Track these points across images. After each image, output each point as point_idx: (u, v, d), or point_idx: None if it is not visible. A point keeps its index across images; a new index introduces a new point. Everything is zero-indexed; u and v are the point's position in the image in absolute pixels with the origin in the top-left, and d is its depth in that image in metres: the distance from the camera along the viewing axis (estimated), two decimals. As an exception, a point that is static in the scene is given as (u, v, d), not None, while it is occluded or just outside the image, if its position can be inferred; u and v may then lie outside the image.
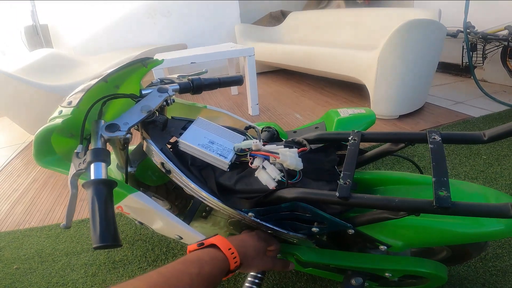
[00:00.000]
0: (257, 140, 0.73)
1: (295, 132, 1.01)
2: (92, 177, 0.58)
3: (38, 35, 3.39)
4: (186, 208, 1.36)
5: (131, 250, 1.33)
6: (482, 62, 2.75)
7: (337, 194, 0.59)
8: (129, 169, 0.87)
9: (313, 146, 0.82)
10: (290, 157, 0.66)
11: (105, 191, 0.55)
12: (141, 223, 0.97)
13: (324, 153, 0.79)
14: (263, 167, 0.69)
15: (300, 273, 1.13)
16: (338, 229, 0.68)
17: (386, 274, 0.79)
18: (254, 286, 0.94)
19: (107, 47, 3.66)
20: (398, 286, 0.97)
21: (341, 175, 0.62)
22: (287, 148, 0.70)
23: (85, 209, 1.64)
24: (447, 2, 3.05)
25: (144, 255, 1.30)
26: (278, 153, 0.67)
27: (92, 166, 0.59)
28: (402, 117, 2.34)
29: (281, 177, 0.68)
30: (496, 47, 2.65)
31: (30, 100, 2.37)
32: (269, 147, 0.71)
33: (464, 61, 2.81)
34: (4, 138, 2.89)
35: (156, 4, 3.68)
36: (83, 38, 3.56)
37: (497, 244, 1.17)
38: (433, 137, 0.65)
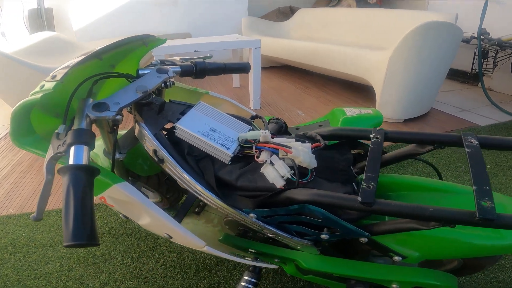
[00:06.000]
0: (266, 131, 0.64)
1: (297, 128, 0.95)
2: (71, 162, 0.50)
3: (41, 18, 3.33)
4: (178, 202, 1.27)
5: (114, 244, 1.24)
6: (492, 70, 2.70)
7: (359, 198, 0.50)
8: (117, 155, 0.78)
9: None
10: (304, 153, 0.57)
11: (84, 180, 0.48)
12: (126, 217, 0.88)
13: (338, 151, 0.71)
14: (271, 162, 0.60)
15: (296, 278, 1.07)
16: (351, 237, 0.60)
17: (393, 285, 0.74)
18: None
19: (110, 33, 3.58)
20: None
21: (364, 177, 0.53)
22: (300, 143, 0.61)
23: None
24: (462, 8, 2.98)
25: (129, 250, 1.21)
26: (290, 147, 0.58)
27: (72, 149, 0.51)
28: (407, 121, 2.29)
29: (291, 175, 0.59)
30: (508, 56, 2.60)
31: (24, 81, 2.31)
32: (279, 139, 0.63)
33: (473, 68, 2.75)
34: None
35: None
36: (86, 23, 3.49)
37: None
38: (469, 140, 0.58)
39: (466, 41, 2.73)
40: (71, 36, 3.42)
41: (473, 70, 2.82)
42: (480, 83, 2.57)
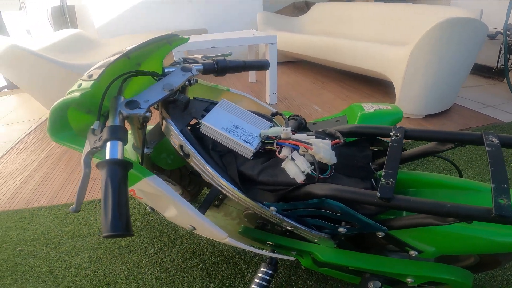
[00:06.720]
0: (288, 128, 0.66)
1: (314, 124, 0.96)
2: (108, 156, 0.54)
3: (64, 16, 3.47)
4: (198, 195, 1.32)
5: (138, 236, 1.29)
6: (518, 65, 2.58)
7: (378, 194, 0.52)
8: (145, 150, 0.82)
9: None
10: (324, 149, 0.59)
11: (120, 173, 0.51)
12: (153, 209, 0.93)
13: (357, 148, 0.72)
14: (292, 158, 0.62)
15: (311, 271, 1.08)
16: (369, 231, 0.62)
17: (408, 279, 0.75)
18: (263, 283, 0.89)
19: (129, 30, 3.68)
20: None
21: (383, 173, 0.55)
22: (320, 139, 0.63)
23: (95, 189, 1.62)
24: (486, 3, 2.86)
25: (151, 241, 1.26)
26: (311, 144, 0.60)
27: (108, 144, 0.55)
28: (428, 117, 2.23)
29: (311, 171, 0.61)
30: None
31: (50, 77, 2.40)
32: (299, 136, 0.64)
33: (499, 64, 2.64)
34: (22, 113, 2.92)
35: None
36: (107, 20, 3.59)
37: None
38: (490, 139, 0.58)
39: (492, 37, 2.63)
40: (93, 33, 3.52)
41: (498, 66, 2.71)
42: (505, 78, 2.47)
